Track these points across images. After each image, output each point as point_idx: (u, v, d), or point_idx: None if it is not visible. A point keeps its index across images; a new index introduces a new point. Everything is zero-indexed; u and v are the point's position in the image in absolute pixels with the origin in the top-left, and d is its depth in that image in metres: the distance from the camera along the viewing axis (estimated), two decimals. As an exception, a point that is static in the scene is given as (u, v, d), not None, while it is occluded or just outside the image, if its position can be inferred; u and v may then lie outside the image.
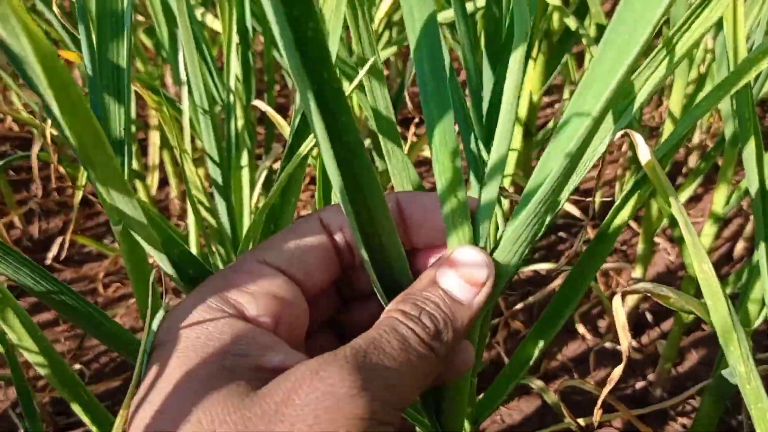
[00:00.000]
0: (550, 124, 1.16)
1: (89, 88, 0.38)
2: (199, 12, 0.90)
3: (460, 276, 0.31)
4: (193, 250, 0.59)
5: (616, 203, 0.43)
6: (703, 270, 0.36)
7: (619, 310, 0.36)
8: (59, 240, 1.15)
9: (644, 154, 0.35)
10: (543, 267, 0.93)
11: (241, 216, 0.73)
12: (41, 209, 1.31)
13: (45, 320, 1.14)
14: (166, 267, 0.33)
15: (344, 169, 0.26)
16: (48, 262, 1.17)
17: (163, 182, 1.30)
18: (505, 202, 0.75)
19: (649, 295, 0.36)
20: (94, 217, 1.32)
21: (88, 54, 0.35)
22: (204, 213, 0.64)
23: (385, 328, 0.29)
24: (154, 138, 1.13)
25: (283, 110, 1.50)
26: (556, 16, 0.92)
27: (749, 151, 0.40)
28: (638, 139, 0.34)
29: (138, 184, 1.11)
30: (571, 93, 1.47)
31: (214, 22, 0.90)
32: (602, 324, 1.08)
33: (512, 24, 0.60)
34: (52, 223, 1.30)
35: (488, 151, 0.63)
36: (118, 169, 0.24)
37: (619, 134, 0.35)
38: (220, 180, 0.68)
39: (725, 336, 0.36)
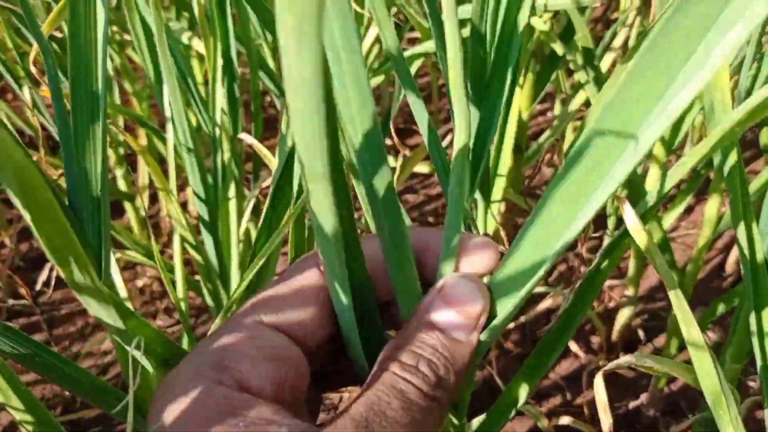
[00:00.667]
0: (542, 138, 1.16)
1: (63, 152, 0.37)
2: (185, 36, 0.89)
3: (453, 310, 0.29)
4: (180, 293, 0.58)
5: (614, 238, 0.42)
6: (691, 334, 0.36)
7: (601, 390, 0.36)
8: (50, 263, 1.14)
9: (630, 220, 0.34)
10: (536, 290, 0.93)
11: (229, 249, 0.72)
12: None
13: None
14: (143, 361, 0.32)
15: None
16: (38, 287, 1.16)
17: (153, 196, 1.30)
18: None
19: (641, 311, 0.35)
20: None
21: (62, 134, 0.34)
22: (191, 251, 0.64)
23: (383, 388, 0.28)
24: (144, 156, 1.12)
25: (271, 125, 1.50)
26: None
27: (736, 210, 0.40)
28: (627, 208, 0.33)
29: (128, 206, 1.11)
30: (562, 103, 1.47)
31: (200, 45, 0.89)
32: (595, 341, 1.07)
33: (496, 62, 0.59)
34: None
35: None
36: (95, 277, 0.24)
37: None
38: (206, 216, 0.67)
39: (714, 401, 0.36)
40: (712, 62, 0.22)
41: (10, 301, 1.18)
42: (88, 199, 0.39)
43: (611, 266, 0.42)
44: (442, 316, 0.29)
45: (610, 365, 0.35)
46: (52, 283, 1.14)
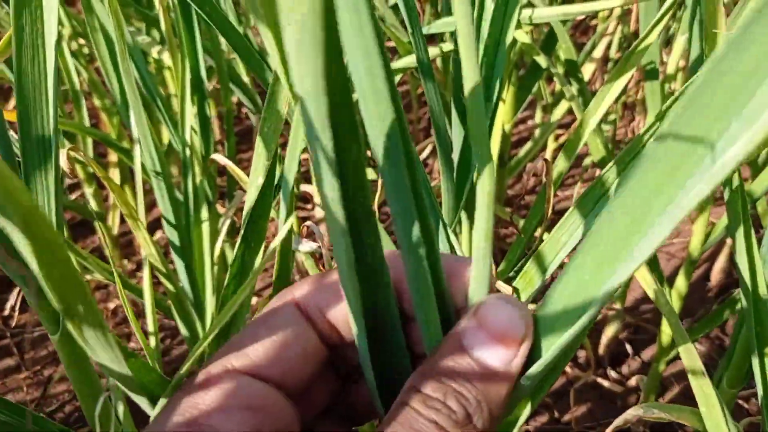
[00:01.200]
0: (524, 149, 1.14)
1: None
2: (155, 50, 0.86)
3: (490, 335, 0.25)
4: (150, 326, 0.55)
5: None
6: (698, 377, 0.34)
7: None
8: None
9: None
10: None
11: (203, 274, 0.69)
12: None
13: (6, 366, 1.09)
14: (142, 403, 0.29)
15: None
16: (6, 311, 1.12)
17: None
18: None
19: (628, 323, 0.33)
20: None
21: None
22: (162, 279, 0.60)
23: (400, 430, 0.24)
24: (114, 175, 1.09)
25: (247, 137, 1.46)
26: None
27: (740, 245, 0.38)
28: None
29: (98, 225, 1.07)
30: (543, 110, 1.45)
31: (170, 60, 0.85)
32: (582, 354, 1.05)
33: (484, 76, 0.57)
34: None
35: (458, 205, 0.60)
36: (104, 323, 0.21)
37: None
38: (177, 241, 0.64)
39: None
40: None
41: (-22, 326, 1.14)
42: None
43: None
44: (477, 341, 0.25)
45: (617, 421, 0.33)
46: (18, 305, 1.10)
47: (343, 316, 0.29)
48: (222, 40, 0.71)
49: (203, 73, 0.65)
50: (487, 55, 0.54)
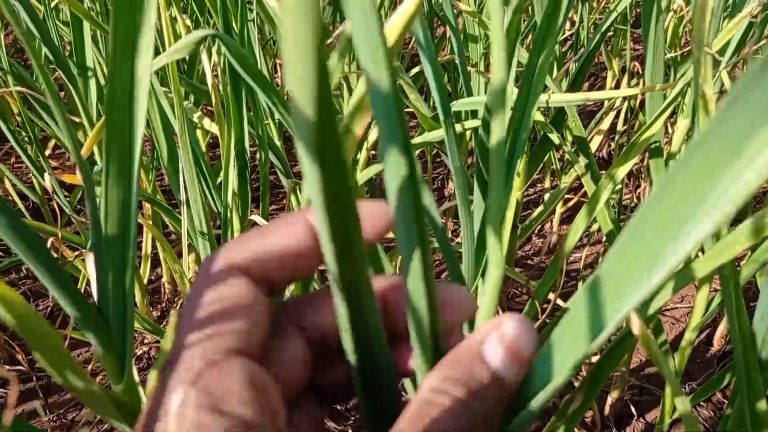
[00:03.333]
0: (534, 214, 1.19)
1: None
2: (195, 115, 0.92)
3: (507, 350, 0.28)
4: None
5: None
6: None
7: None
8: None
9: (637, 329, 0.37)
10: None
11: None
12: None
13: (31, 409, 1.13)
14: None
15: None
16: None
17: (155, 261, 1.31)
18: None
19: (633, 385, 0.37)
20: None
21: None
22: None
23: (421, 422, 0.26)
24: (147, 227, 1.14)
25: (273, 191, 1.52)
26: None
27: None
28: (633, 317, 0.36)
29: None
30: (552, 174, 1.51)
31: (211, 126, 0.92)
32: (588, 415, 1.09)
33: (505, 157, 0.63)
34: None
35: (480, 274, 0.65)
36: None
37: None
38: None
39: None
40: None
41: (6, 367, 1.18)
42: (117, 303, 0.41)
43: (613, 366, 0.45)
44: (496, 353, 0.28)
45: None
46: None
47: (275, 268, 0.28)
48: (262, 109, 0.77)
49: (246, 142, 0.71)
50: (509, 140, 0.60)
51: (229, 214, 0.71)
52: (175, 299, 1.25)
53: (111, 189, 0.38)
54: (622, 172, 0.60)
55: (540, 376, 0.28)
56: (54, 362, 0.31)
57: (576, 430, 1.05)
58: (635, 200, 1.54)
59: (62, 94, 1.45)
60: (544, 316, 0.63)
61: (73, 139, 0.34)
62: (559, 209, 1.42)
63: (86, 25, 0.83)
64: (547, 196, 1.47)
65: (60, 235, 0.60)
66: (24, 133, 1.34)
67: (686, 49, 1.01)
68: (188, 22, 0.76)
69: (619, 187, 1.22)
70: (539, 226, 1.53)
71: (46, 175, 0.58)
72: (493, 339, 0.28)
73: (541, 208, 1.20)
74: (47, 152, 1.67)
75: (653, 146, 0.84)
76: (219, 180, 0.80)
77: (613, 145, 1.71)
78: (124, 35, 0.32)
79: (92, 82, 0.83)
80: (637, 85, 1.30)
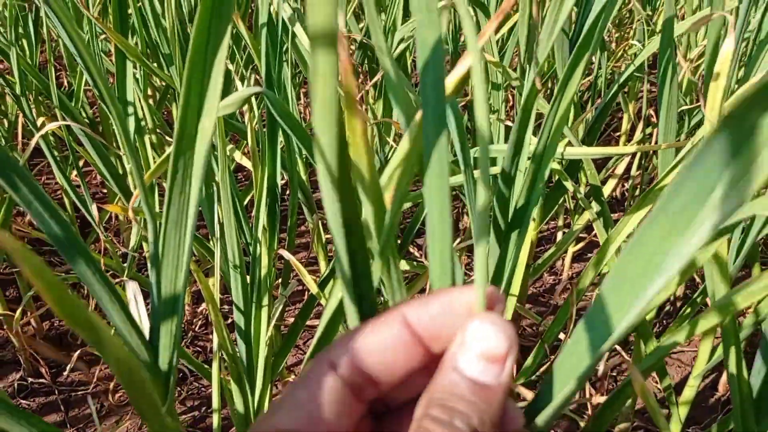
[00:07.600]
0: (546, 255, 1.23)
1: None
2: (228, 148, 0.97)
3: (480, 356, 0.28)
4: (215, 402, 0.63)
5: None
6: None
7: None
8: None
9: (637, 378, 0.40)
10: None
11: (258, 350, 0.78)
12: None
13: (52, 421, 1.17)
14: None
15: None
16: (66, 373, 1.20)
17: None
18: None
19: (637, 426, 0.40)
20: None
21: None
22: (227, 359, 0.69)
23: None
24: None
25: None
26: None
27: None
28: (633, 370, 0.40)
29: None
30: (564, 212, 1.55)
31: (242, 159, 0.97)
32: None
33: (521, 206, 0.67)
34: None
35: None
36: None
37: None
38: (242, 324, 0.73)
39: None
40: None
41: (30, 380, 1.23)
42: (168, 333, 0.45)
43: (616, 410, 0.48)
44: (469, 362, 0.28)
45: None
46: (69, 365, 1.19)
47: (374, 364, 0.29)
48: (296, 150, 0.81)
49: (278, 180, 0.75)
50: (526, 188, 0.64)
51: (259, 248, 0.75)
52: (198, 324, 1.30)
53: (169, 233, 0.42)
54: (634, 221, 0.64)
55: (544, 396, 0.31)
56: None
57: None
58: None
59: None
60: (554, 358, 0.66)
61: (144, 188, 0.38)
62: (571, 249, 1.45)
63: (129, 63, 0.88)
64: (560, 235, 1.50)
65: (103, 261, 0.64)
66: (58, 153, 1.40)
67: (698, 104, 1.05)
68: (230, 66, 0.81)
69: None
70: (550, 265, 1.56)
71: (93, 207, 0.62)
72: (465, 348, 0.28)
73: (553, 248, 1.24)
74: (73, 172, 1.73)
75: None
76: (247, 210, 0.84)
77: (627, 185, 1.74)
78: (198, 95, 0.37)
79: (131, 119, 0.88)
80: (652, 133, 1.34)
